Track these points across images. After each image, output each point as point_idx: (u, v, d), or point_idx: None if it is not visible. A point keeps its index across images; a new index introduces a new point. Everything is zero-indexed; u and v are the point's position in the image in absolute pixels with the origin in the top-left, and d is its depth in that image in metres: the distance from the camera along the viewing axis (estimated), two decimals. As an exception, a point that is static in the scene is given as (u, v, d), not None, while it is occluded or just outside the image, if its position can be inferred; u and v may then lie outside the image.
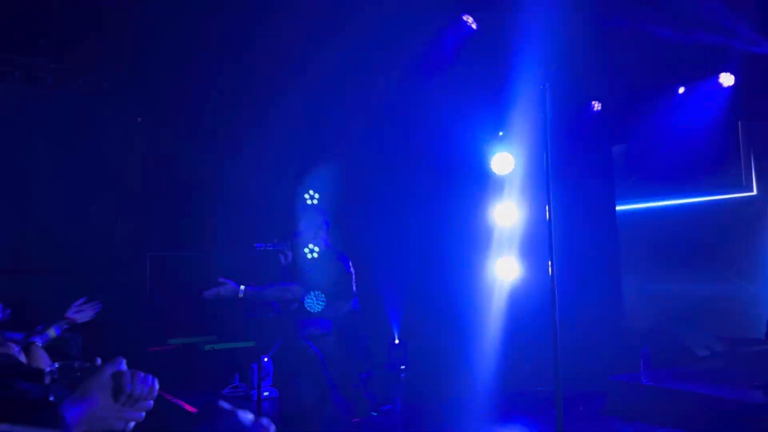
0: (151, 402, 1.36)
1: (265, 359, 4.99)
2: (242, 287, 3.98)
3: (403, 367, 5.93)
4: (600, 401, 4.40)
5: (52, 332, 3.58)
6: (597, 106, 6.34)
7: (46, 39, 5.89)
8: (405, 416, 4.48)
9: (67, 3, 5.22)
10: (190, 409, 4.66)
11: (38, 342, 3.54)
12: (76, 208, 6.30)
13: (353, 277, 4.20)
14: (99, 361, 1.38)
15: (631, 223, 6.67)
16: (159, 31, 5.45)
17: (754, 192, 5.86)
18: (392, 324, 6.14)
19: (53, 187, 6.08)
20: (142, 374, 1.35)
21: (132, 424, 1.34)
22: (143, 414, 1.36)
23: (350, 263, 4.27)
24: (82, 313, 3.71)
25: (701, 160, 5.90)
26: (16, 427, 0.83)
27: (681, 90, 5.90)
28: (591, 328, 5.43)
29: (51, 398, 1.37)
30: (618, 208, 6.69)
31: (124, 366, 1.35)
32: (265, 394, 4.89)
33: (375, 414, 4.13)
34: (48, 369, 2.20)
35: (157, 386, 1.39)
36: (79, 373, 1.83)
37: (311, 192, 4.31)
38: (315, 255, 4.10)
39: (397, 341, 6.08)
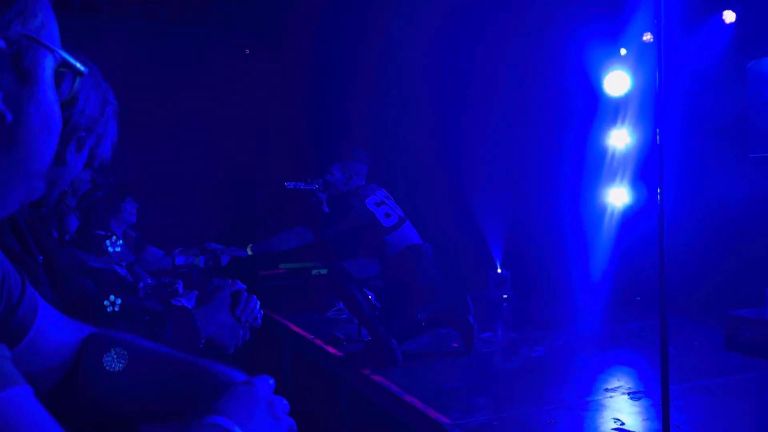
0: (259, 322, 1.52)
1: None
2: (249, 248, 3.97)
3: (505, 296, 5.87)
4: (719, 337, 4.13)
5: (197, 261, 3.86)
6: (730, 17, 5.64)
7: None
8: (504, 344, 4.44)
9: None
10: (296, 330, 4.88)
11: (178, 261, 3.86)
12: (190, 138, 6.61)
13: (375, 215, 3.94)
14: (219, 282, 1.53)
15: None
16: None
17: None
18: (494, 252, 6.05)
19: (168, 118, 6.39)
20: (255, 297, 1.51)
21: (242, 340, 1.49)
22: (249, 334, 1.51)
23: (378, 199, 4.03)
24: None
25: None
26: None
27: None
28: (711, 259, 5.05)
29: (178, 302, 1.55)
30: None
31: (242, 287, 1.51)
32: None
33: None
34: (141, 284, 2.35)
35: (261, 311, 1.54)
36: (170, 289, 1.94)
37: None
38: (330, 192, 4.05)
39: (499, 270, 5.99)
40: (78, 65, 0.67)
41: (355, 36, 6.44)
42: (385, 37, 6.05)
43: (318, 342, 4.46)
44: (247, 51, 7.44)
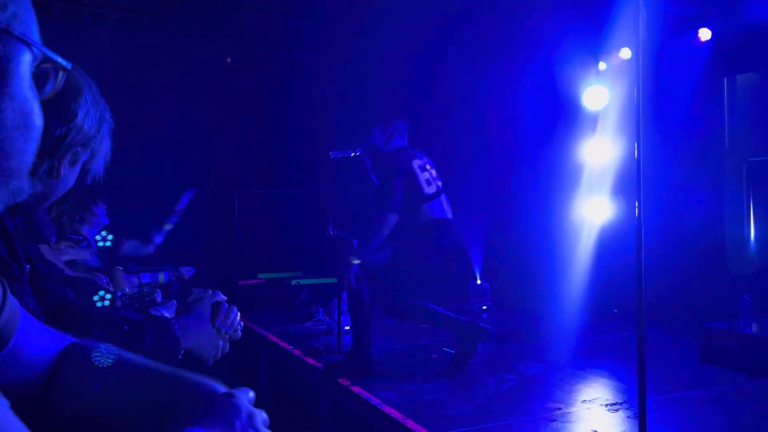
0: (239, 334, 1.50)
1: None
2: (353, 259, 3.83)
3: (485, 307, 5.89)
4: (695, 349, 4.19)
5: (161, 277, 3.87)
6: (705, 35, 5.75)
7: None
8: (484, 355, 4.45)
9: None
10: (276, 341, 4.85)
11: (144, 278, 3.85)
12: (166, 145, 6.56)
13: (418, 179, 3.87)
14: (201, 292, 1.52)
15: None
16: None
17: None
18: (474, 264, 6.07)
19: (147, 126, 6.34)
20: (235, 308, 1.50)
21: (221, 352, 1.47)
22: (228, 345, 1.49)
23: (423, 163, 3.96)
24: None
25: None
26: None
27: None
28: (688, 273, 5.13)
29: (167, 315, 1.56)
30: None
31: (222, 297, 1.50)
32: (347, 328, 5.00)
33: (452, 351, 4.12)
34: (119, 293, 2.33)
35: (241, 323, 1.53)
36: (147, 298, 1.92)
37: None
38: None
39: (479, 281, 6.02)
40: (60, 60, 0.66)
41: (336, 45, 6.47)
42: (367, 49, 6.08)
43: (297, 353, 4.44)
44: (229, 60, 7.43)
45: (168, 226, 4.33)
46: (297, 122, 6.96)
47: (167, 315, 1.55)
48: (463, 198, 6.12)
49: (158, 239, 4.28)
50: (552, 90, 5.76)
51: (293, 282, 6.05)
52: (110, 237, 4.15)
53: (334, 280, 5.40)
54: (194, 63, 6.85)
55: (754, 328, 4.05)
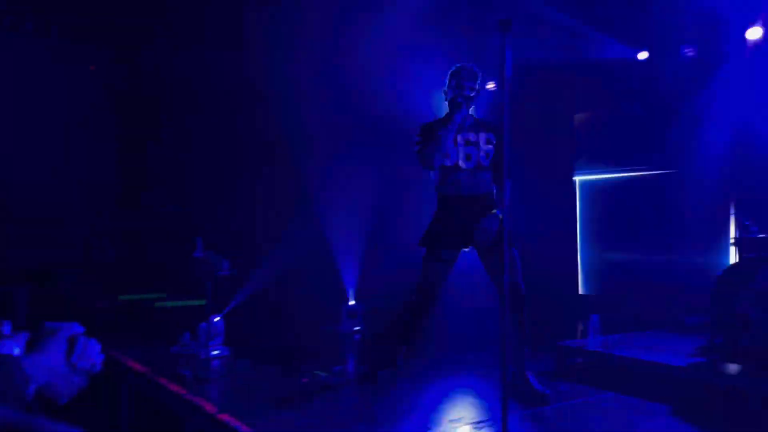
0: (99, 367, 1.38)
1: (216, 319, 4.92)
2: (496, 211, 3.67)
3: (357, 328, 5.93)
4: (551, 366, 4.47)
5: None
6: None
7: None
8: (356, 378, 4.47)
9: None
10: (137, 368, 4.57)
11: None
12: (28, 152, 6.07)
13: None
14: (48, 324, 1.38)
15: (590, 192, 6.71)
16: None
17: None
18: (347, 285, 6.11)
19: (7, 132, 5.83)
20: (95, 341, 1.37)
21: (77, 389, 1.36)
22: (86, 380, 1.38)
23: None
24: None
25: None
26: None
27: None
28: (545, 294, 5.49)
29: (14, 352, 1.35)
30: (580, 178, 6.71)
31: (79, 330, 1.37)
32: (215, 353, 4.83)
33: (323, 374, 4.10)
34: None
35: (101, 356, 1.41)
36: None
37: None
38: None
39: (352, 302, 6.06)
40: None
41: (203, 56, 6.30)
42: (239, 64, 5.98)
43: (162, 380, 4.21)
44: (93, 67, 7.02)
45: None
46: (161, 131, 6.69)
47: (17, 351, 1.41)
48: (338, 219, 6.17)
49: None
50: (429, 112, 6.00)
51: (157, 304, 5.76)
52: None
53: (202, 302, 5.21)
54: (55, 69, 6.40)
55: (601, 345, 4.42)
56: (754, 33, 5.26)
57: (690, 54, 5.60)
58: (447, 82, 3.82)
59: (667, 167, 5.93)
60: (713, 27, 5.27)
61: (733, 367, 3.76)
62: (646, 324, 5.22)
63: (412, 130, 3.91)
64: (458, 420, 3.44)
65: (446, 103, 3.82)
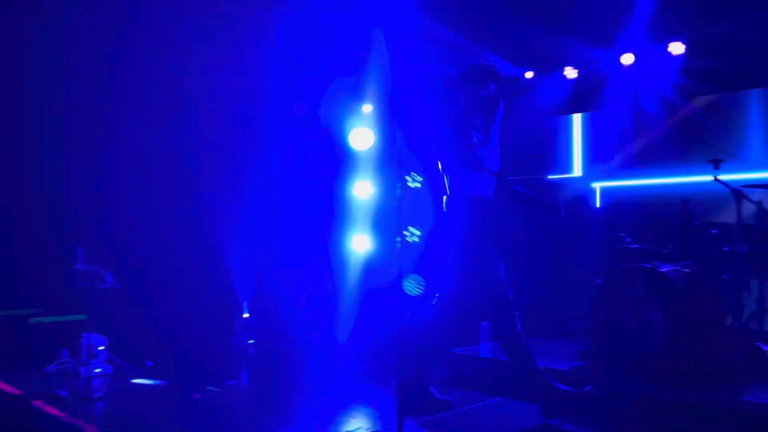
0: None
1: (98, 335, 4.63)
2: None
3: (251, 341, 5.79)
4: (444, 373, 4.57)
5: None
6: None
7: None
8: (249, 392, 4.36)
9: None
10: (8, 390, 4.20)
11: None
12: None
13: None
14: None
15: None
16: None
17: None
18: (240, 298, 5.97)
19: None
20: None
21: None
22: None
23: None
24: None
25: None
26: None
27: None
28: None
29: None
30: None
31: None
32: (97, 371, 4.55)
33: (216, 389, 3.97)
34: None
35: None
36: None
37: None
38: None
39: (246, 315, 5.91)
40: None
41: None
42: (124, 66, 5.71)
43: (37, 403, 3.89)
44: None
45: None
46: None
47: None
48: (232, 231, 6.01)
49: None
50: (322, 131, 6.00)
51: (32, 320, 5.34)
52: None
53: (82, 317, 4.89)
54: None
55: (491, 352, 4.58)
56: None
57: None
58: None
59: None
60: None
61: (610, 370, 4.01)
62: (535, 330, 5.46)
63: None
64: (356, 430, 3.44)
65: None
